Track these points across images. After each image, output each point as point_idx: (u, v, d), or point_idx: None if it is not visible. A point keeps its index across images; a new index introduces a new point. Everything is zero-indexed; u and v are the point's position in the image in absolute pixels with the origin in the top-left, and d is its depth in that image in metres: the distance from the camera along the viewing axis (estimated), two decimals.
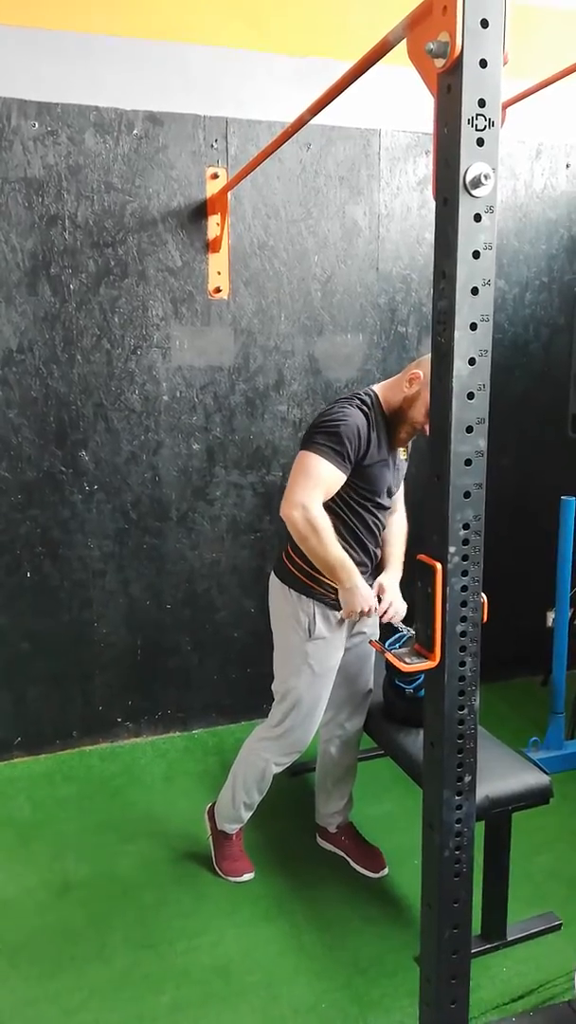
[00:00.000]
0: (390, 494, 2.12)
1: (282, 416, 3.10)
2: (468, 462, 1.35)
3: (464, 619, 1.40)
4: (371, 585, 2.10)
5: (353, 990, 1.91)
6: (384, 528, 2.17)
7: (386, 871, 2.33)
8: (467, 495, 1.36)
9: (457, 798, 1.49)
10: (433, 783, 1.50)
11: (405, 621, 2.15)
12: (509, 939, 2.07)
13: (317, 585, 2.07)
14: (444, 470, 1.35)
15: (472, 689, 1.45)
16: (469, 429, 1.33)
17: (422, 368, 1.99)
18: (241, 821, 2.32)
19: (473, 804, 1.52)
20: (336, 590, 2.03)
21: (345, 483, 1.99)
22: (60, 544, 2.94)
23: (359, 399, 2.03)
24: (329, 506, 2.00)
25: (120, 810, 2.66)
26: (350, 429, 1.94)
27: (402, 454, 2.16)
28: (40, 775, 2.89)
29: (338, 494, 2.00)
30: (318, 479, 1.94)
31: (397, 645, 2.18)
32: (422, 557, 1.40)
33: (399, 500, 2.27)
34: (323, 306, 3.08)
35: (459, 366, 1.31)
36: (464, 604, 1.40)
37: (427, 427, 1.99)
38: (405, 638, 2.25)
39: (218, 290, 2.94)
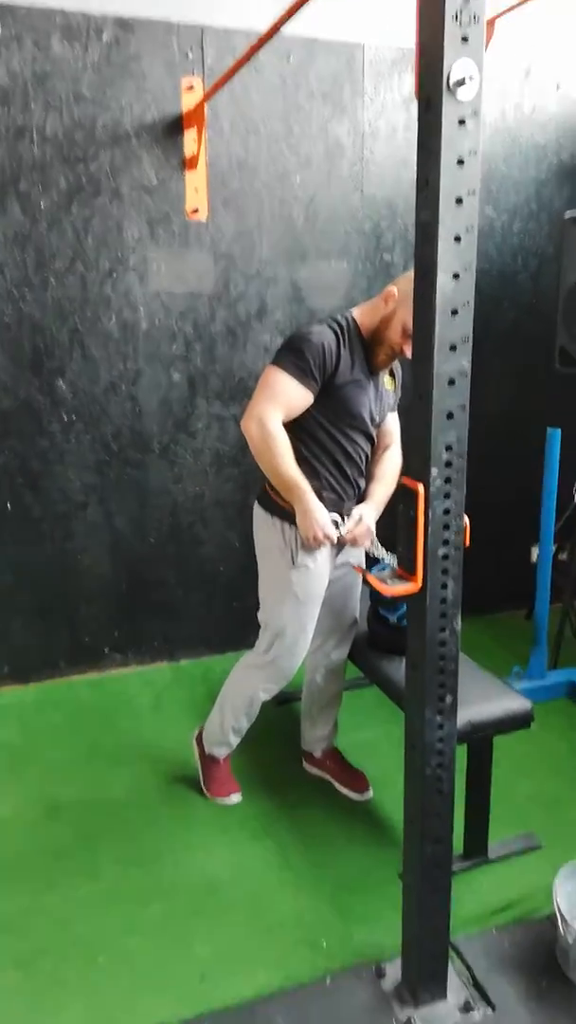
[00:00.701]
0: (374, 423, 2.08)
1: (265, 346, 3.03)
2: (452, 382, 1.32)
3: (446, 542, 1.40)
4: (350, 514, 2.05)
5: (337, 904, 1.98)
6: (368, 459, 2.13)
7: (370, 793, 2.40)
8: (450, 416, 1.33)
9: (438, 717, 1.51)
10: (415, 704, 1.52)
11: (389, 550, 2.15)
12: (490, 857, 2.14)
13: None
14: (427, 390, 1.32)
15: (454, 612, 1.46)
16: (453, 347, 1.30)
17: (398, 285, 1.94)
18: (230, 746, 2.36)
19: (454, 725, 1.54)
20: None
21: (319, 404, 1.95)
22: (40, 475, 2.89)
23: (333, 319, 1.99)
24: (307, 430, 1.98)
25: (109, 736, 2.71)
26: (315, 345, 1.90)
27: (388, 384, 2.12)
28: (29, 703, 2.93)
29: (315, 417, 1.97)
30: (278, 393, 1.91)
31: (381, 571, 2.20)
32: (404, 479, 1.39)
33: (392, 434, 2.21)
34: (306, 230, 2.98)
35: (443, 281, 1.26)
36: (446, 527, 1.39)
37: (406, 348, 1.96)
38: (388, 566, 2.26)
39: (196, 211, 2.83)
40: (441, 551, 1.40)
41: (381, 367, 2.04)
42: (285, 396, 1.92)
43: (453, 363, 1.30)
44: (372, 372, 2.03)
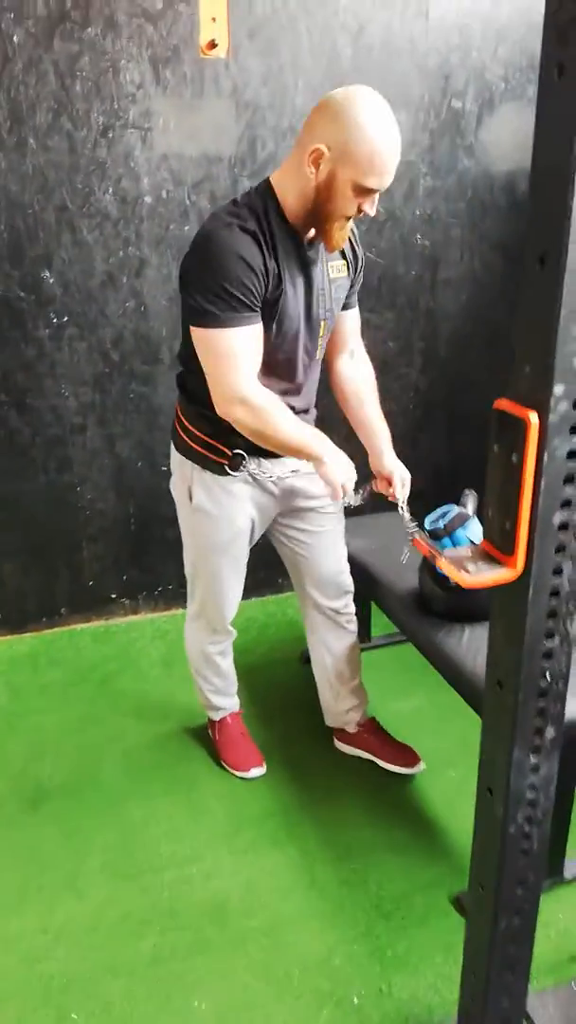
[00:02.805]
0: (316, 334, 1.57)
1: None
2: None
3: (568, 504, 0.86)
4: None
5: (374, 940, 1.56)
6: (313, 385, 1.67)
7: (422, 765, 1.97)
8: None
9: (533, 759, 1.02)
10: (497, 736, 1.03)
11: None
12: (566, 877, 1.70)
13: (195, 443, 1.62)
14: (555, 246, 0.76)
15: (570, 610, 0.94)
16: None
17: (323, 138, 1.33)
18: (220, 708, 2.05)
19: (554, 766, 1.05)
20: (224, 454, 1.60)
21: None
22: (27, 391, 2.40)
23: (230, 215, 1.40)
24: None
25: (109, 700, 2.31)
26: (231, 271, 1.36)
27: (338, 268, 1.55)
28: (22, 657, 2.54)
29: None
30: (236, 355, 1.42)
31: (445, 540, 1.68)
32: (504, 404, 0.85)
33: (351, 336, 1.72)
34: (353, 69, 2.31)
35: None
36: (571, 480, 0.85)
37: (367, 206, 1.38)
38: (453, 515, 1.73)
39: (213, 45, 2.19)
40: (558, 518, 0.87)
41: (336, 248, 1.48)
42: (245, 353, 1.42)
43: None
44: (310, 262, 1.49)
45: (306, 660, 2.47)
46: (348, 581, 1.91)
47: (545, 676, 0.97)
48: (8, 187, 2.18)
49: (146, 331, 2.43)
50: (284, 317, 1.47)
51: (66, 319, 2.35)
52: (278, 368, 1.54)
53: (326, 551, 1.84)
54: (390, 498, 1.70)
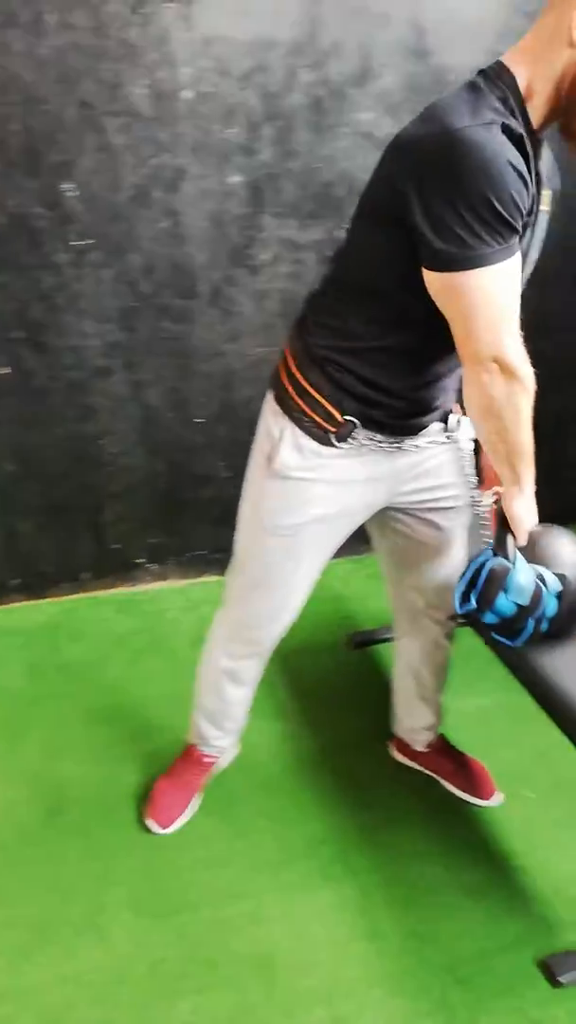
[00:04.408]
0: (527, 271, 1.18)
1: (365, 131, 2.00)
2: None
3: None
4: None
5: (449, 1014, 1.33)
6: None
7: (500, 798, 1.71)
8: None
9: None
10: None
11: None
12: None
13: (301, 399, 1.24)
14: None
15: None
16: None
17: None
18: (205, 739, 1.64)
19: None
20: (335, 420, 1.22)
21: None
22: (45, 328, 2.05)
23: (485, 109, 0.99)
24: (405, 318, 1.14)
25: (137, 686, 2.05)
26: (507, 194, 0.97)
27: (545, 199, 1.14)
28: (41, 628, 2.28)
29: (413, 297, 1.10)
30: (505, 304, 1.05)
31: (487, 615, 1.21)
32: None
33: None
34: None
35: None
36: None
37: None
38: (483, 578, 1.21)
39: None
40: None
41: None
42: (511, 294, 1.05)
43: None
44: (539, 188, 1.09)
45: (356, 645, 2.21)
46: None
47: None
48: (21, 75, 1.78)
49: (181, 258, 2.05)
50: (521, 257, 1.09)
51: (90, 242, 1.98)
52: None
53: (445, 551, 1.47)
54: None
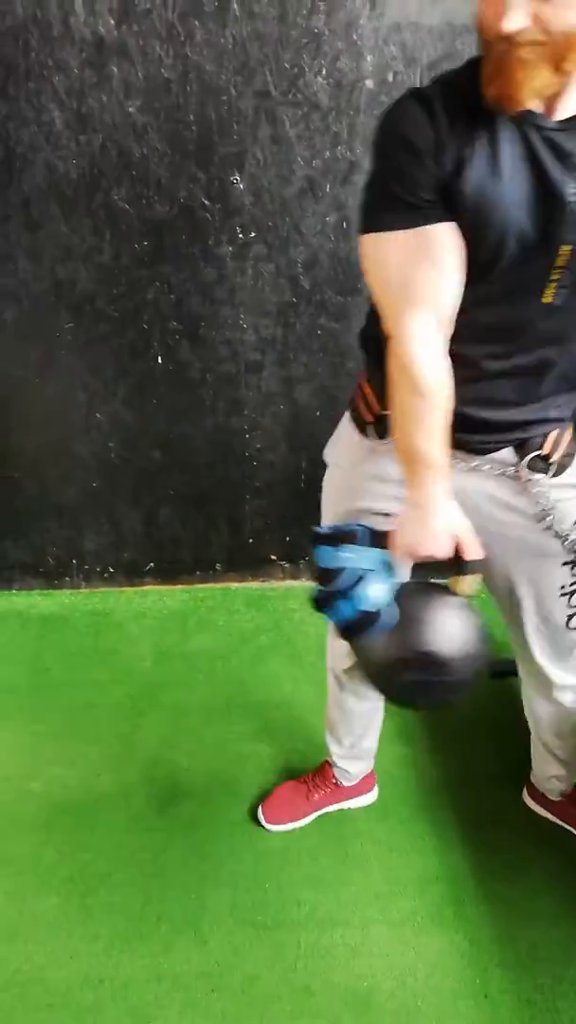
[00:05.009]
0: (556, 266, 0.97)
1: None
2: None
3: None
4: None
5: None
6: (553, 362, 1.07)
7: None
8: None
9: None
10: None
11: None
12: None
13: (362, 387, 1.19)
14: None
15: None
16: None
17: None
18: (328, 751, 1.61)
19: None
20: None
21: None
22: (202, 320, 2.07)
23: (441, 78, 0.97)
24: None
25: (259, 685, 2.02)
26: (392, 160, 0.94)
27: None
28: (172, 614, 2.31)
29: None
30: (401, 281, 0.97)
31: (341, 606, 1.05)
32: None
33: None
34: None
35: None
36: None
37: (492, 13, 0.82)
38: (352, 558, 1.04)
39: None
40: None
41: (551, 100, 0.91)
42: (420, 283, 0.96)
43: None
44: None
45: (496, 674, 2.06)
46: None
47: None
48: (203, 65, 1.79)
49: (346, 253, 1.99)
50: (486, 229, 0.97)
51: (253, 234, 1.96)
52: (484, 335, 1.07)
53: (543, 594, 1.25)
54: None
